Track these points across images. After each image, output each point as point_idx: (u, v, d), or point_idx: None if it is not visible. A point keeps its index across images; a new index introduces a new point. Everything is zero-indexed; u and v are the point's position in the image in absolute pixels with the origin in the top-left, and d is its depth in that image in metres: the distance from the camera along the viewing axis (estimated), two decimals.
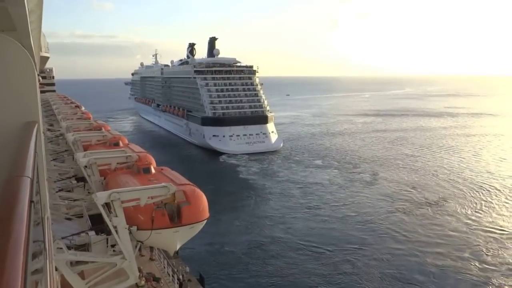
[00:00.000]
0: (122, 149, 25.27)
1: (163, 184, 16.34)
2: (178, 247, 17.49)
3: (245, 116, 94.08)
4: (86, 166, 21.14)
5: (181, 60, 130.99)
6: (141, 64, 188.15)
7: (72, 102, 70.00)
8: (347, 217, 49.62)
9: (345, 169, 74.09)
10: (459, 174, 69.69)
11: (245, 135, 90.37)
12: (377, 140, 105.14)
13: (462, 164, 77.15)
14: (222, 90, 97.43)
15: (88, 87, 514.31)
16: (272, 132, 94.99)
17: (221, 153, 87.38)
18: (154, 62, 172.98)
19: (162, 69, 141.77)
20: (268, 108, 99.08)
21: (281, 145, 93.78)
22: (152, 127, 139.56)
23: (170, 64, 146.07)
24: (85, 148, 26.36)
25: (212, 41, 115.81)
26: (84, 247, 16.53)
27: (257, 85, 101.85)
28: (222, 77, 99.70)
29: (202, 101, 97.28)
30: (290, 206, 54.10)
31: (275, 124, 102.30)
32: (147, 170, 20.53)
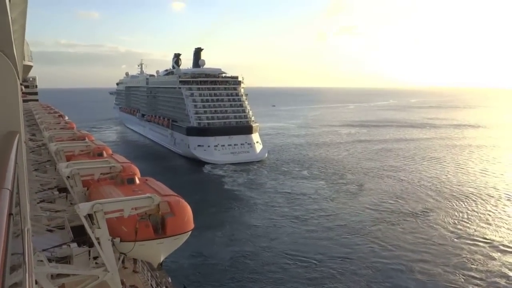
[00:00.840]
0: (106, 159, 24.97)
1: (147, 195, 16.18)
2: (162, 259, 17.26)
3: (230, 126, 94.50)
4: (68, 177, 20.80)
5: (166, 70, 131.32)
6: (126, 73, 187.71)
7: (55, 112, 69.10)
8: (334, 228, 49.72)
9: (331, 179, 74.49)
10: (442, 184, 70.67)
11: (230, 145, 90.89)
12: (362, 151, 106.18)
13: (445, 175, 78.31)
14: (207, 100, 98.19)
15: (72, 96, 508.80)
16: (257, 142, 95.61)
17: (206, 163, 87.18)
18: (139, 72, 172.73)
19: (147, 79, 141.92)
20: (253, 118, 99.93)
21: (266, 155, 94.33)
22: (137, 137, 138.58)
23: (155, 74, 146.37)
24: (68, 158, 25.99)
25: (197, 52, 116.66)
26: (65, 259, 16.18)
27: (242, 95, 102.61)
28: (207, 88, 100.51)
29: (187, 111, 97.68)
30: (275, 217, 54.00)
31: (261, 135, 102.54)
32: (131, 181, 20.32)
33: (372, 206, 58.40)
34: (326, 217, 53.89)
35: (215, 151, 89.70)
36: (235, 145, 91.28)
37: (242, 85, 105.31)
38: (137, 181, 20.59)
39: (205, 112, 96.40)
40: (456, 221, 52.17)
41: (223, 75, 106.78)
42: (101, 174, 21.86)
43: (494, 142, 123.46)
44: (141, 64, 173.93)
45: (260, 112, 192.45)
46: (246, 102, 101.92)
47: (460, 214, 55.07)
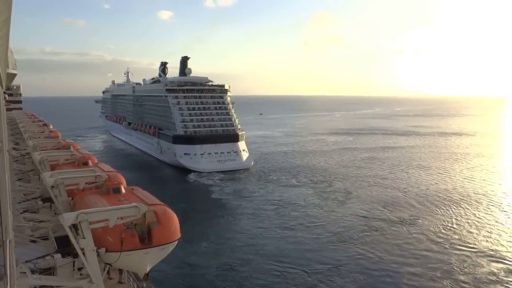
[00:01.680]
0: (91, 168, 24.70)
1: (133, 204, 16.02)
2: (148, 269, 17.07)
3: (216, 134, 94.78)
4: (53, 186, 20.49)
5: (153, 78, 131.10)
6: (113, 82, 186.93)
7: (39, 120, 68.21)
8: (322, 237, 49.70)
9: (319, 187, 74.69)
10: (428, 191, 71.45)
11: (216, 153, 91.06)
12: (349, 158, 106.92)
13: (431, 182, 79.21)
14: (193, 109, 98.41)
15: (57, 105, 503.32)
16: (243, 150, 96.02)
17: (191, 171, 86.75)
18: (125, 80, 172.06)
19: (133, 87, 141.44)
20: (239, 126, 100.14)
21: (252, 163, 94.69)
22: (123, 145, 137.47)
23: (142, 83, 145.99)
24: (53, 168, 25.62)
25: (184, 60, 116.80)
26: (49, 271, 15.87)
27: (228, 104, 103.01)
28: (193, 96, 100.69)
29: (174, 120, 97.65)
30: (263, 226, 53.84)
31: (248, 143, 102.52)
32: (117, 190, 20.10)
33: (360, 214, 58.67)
34: (314, 225, 53.94)
35: (202, 159, 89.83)
36: (221, 153, 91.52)
37: (228, 93, 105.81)
38: (123, 190, 20.39)
39: (192, 120, 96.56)
40: (442, 228, 52.67)
41: (210, 83, 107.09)
42: (86, 183, 21.60)
43: (478, 150, 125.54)
44: (127, 73, 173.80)
45: (248, 121, 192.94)
46: (233, 111, 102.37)
47: (446, 221, 55.65)
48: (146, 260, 16.22)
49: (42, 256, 16.41)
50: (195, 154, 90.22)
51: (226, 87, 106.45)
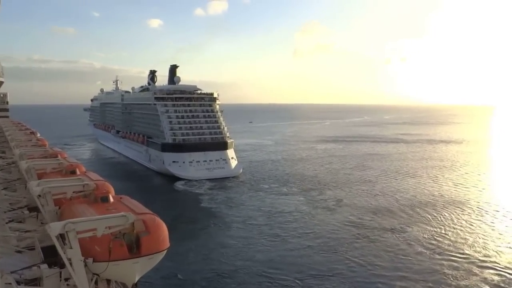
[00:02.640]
0: (79, 177, 24.42)
1: (121, 213, 15.85)
2: (137, 279, 16.85)
3: (205, 142, 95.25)
4: (39, 195, 20.19)
5: (142, 86, 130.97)
6: (101, 90, 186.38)
7: (26, 129, 67.41)
8: (312, 246, 49.56)
9: (309, 196, 74.77)
10: (417, 199, 72.00)
11: (205, 161, 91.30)
12: (339, 166, 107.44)
13: (419, 189, 79.84)
14: (182, 117, 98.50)
15: (45, 113, 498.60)
16: (232, 158, 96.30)
17: (178, 179, 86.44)
18: (114, 88, 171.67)
19: (122, 95, 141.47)
20: (228, 134, 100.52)
21: (241, 171, 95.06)
22: (112, 153, 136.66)
23: (131, 91, 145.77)
24: (40, 177, 25.26)
25: (173, 69, 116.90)
26: (35, 281, 15.58)
27: (217, 112, 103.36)
28: (182, 104, 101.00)
29: (163, 128, 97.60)
30: (253, 235, 53.65)
31: (238, 151, 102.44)
32: (105, 199, 19.89)
33: (350, 222, 58.79)
34: (305, 234, 53.87)
35: (190, 167, 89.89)
36: (210, 161, 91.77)
37: (217, 101, 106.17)
38: (111, 199, 20.18)
39: (180, 128, 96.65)
40: (432, 236, 53.00)
41: (199, 91, 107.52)
42: (73, 192, 21.31)
43: (464, 157, 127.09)
44: (116, 81, 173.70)
45: (238, 129, 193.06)
46: (222, 119, 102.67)
47: (435, 228, 56.05)
48: (134, 270, 16.01)
49: (28, 267, 16.12)
50: (183, 162, 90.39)
51: (215, 95, 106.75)
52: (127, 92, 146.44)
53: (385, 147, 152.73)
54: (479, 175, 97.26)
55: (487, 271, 42.43)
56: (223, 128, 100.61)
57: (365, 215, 61.87)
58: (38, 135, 59.22)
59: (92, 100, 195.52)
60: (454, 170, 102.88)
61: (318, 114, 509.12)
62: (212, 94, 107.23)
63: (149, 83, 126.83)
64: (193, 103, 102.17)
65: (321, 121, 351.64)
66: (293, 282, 39.43)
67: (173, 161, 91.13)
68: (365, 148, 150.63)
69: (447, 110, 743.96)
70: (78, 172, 27.12)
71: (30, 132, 62.06)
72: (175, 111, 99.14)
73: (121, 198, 20.79)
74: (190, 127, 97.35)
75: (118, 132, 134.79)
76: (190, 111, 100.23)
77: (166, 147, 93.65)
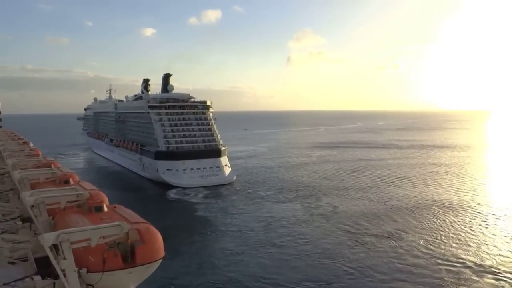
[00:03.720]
0: (73, 187, 24.25)
1: (115, 222, 15.73)
2: None
3: (198, 150, 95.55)
4: (33, 206, 20.00)
5: (135, 95, 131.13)
6: (95, 99, 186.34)
7: (19, 138, 66.97)
8: (310, 253, 49.06)
9: (305, 203, 74.67)
10: (412, 204, 72.10)
11: (198, 168, 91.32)
12: (334, 172, 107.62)
13: (413, 194, 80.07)
14: (176, 125, 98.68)
15: (38, 122, 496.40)
16: (226, 165, 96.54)
17: (172, 187, 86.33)
18: (108, 97, 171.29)
19: (116, 104, 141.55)
20: (221, 142, 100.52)
21: (235, 178, 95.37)
22: (105, 162, 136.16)
23: (124, 99, 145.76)
24: (33, 187, 25.05)
25: (166, 77, 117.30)
26: None
27: (210, 119, 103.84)
28: (176, 112, 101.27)
29: (156, 136, 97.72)
30: (248, 243, 53.35)
31: (233, 158, 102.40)
32: (99, 209, 19.75)
33: (347, 229, 58.08)
34: (302, 242, 53.59)
35: (184, 174, 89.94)
36: (204, 168, 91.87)
37: (210, 109, 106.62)
38: (105, 208, 20.03)
39: (174, 136, 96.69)
40: (428, 241, 52.86)
41: (192, 99, 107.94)
42: (67, 202, 21.13)
43: (458, 161, 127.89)
44: (110, 90, 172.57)
45: (232, 136, 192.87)
46: (215, 126, 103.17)
47: (431, 234, 55.99)
48: (129, 280, 15.90)
49: (21, 278, 15.92)
50: (177, 170, 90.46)
51: (208, 103, 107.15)
52: (120, 101, 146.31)
53: (379, 153, 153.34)
54: (473, 179, 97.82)
55: (486, 275, 42.35)
56: (217, 135, 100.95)
57: (362, 222, 61.77)
58: (31, 144, 58.85)
59: (85, 109, 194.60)
60: (448, 175, 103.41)
61: (312, 121, 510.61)
62: (205, 102, 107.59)
63: (142, 92, 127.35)
64: (186, 111, 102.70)
65: (315, 128, 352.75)
66: None
67: (167, 169, 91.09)
68: (358, 154, 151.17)
69: (442, 116, 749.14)
70: (71, 182, 26.93)
71: (23, 142, 61.64)
72: (169, 119, 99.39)
73: (115, 207, 20.64)
74: (183, 135, 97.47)
75: (111, 140, 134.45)
76: (184, 119, 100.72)
77: (160, 155, 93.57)
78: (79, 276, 14.80)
